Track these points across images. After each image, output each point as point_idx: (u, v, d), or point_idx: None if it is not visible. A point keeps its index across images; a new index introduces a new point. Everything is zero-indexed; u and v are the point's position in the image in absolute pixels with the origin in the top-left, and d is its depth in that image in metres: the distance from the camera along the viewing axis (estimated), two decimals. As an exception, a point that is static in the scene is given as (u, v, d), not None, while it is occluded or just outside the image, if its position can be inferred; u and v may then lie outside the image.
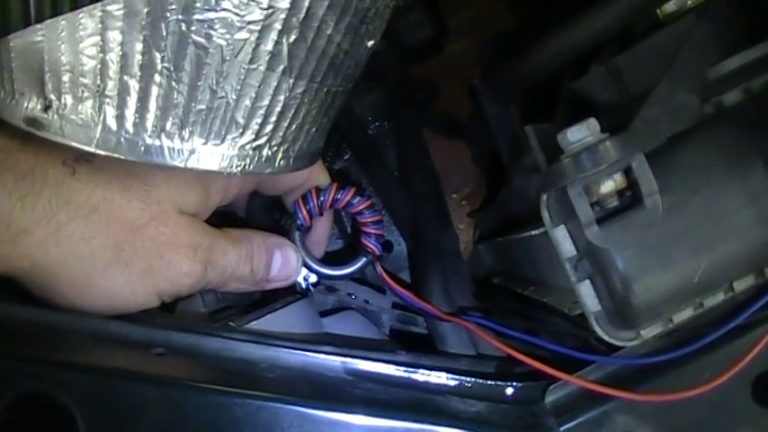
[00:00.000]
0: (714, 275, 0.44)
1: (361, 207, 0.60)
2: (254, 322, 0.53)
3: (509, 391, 0.50)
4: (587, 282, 0.44)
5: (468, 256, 0.79)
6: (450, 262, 0.62)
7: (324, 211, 0.60)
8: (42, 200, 0.43)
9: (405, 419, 0.45)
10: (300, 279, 0.60)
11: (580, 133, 0.41)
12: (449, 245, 0.63)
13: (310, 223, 0.60)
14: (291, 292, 0.60)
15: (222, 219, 0.54)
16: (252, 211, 0.64)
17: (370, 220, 0.61)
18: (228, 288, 0.54)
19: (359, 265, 0.61)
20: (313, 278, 0.61)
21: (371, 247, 0.61)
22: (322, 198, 0.59)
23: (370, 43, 0.47)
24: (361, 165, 0.71)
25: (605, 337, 0.45)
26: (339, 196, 0.59)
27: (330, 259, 0.62)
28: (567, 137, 0.41)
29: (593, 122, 0.42)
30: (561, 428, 0.46)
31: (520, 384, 0.50)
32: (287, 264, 0.57)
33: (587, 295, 0.44)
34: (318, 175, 0.59)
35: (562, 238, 0.44)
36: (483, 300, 0.65)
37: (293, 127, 0.46)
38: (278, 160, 0.46)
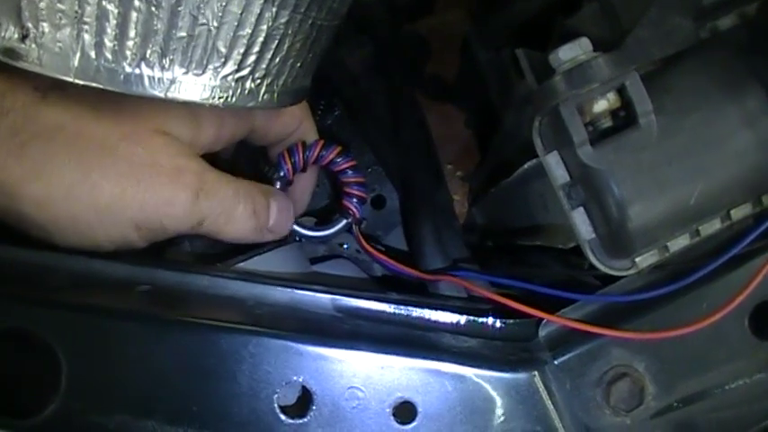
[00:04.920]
0: (710, 200, 0.43)
1: (344, 166, 0.60)
2: (241, 264, 0.51)
3: (502, 326, 0.49)
4: (581, 209, 0.43)
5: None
6: (442, 212, 0.61)
7: (308, 166, 0.59)
8: (7, 120, 0.42)
9: (396, 354, 0.44)
10: None
11: (572, 52, 0.40)
12: (441, 196, 0.62)
13: (293, 177, 0.59)
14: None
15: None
16: (237, 164, 0.63)
17: (353, 180, 0.60)
18: (229, 233, 0.49)
19: (337, 227, 0.61)
20: None
21: (353, 209, 0.60)
22: (307, 153, 0.58)
23: (356, -24, 0.46)
24: (353, 118, 0.70)
25: (600, 266, 0.44)
26: (324, 153, 0.59)
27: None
28: (558, 55, 0.40)
29: (585, 41, 0.41)
30: (556, 362, 0.45)
31: (513, 320, 0.49)
32: (282, 212, 0.53)
33: (581, 222, 0.43)
34: (307, 129, 0.59)
35: (555, 164, 0.43)
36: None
37: (277, 59, 0.45)
38: (261, 94, 0.45)
